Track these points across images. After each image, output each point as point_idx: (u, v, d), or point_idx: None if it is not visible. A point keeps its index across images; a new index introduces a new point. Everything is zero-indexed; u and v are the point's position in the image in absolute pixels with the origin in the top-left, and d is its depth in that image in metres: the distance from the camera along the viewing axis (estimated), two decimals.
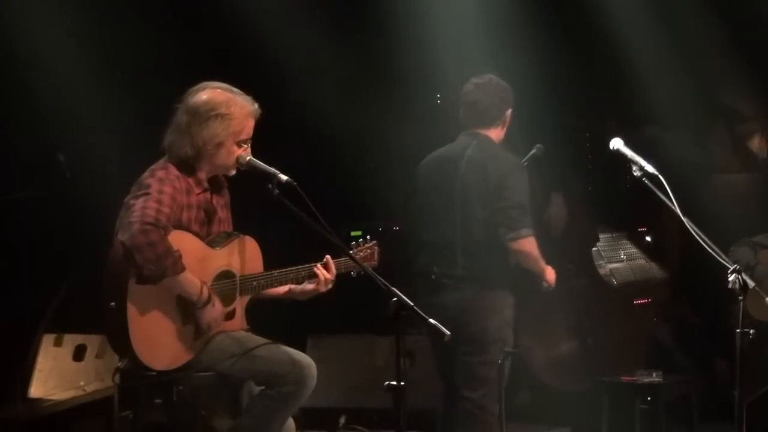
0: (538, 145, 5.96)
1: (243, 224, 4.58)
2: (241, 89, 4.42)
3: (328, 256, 4.46)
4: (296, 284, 4.48)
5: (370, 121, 7.53)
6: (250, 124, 4.34)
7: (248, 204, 4.95)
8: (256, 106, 4.37)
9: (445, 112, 7.68)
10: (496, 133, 5.15)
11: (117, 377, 4.30)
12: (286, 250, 4.59)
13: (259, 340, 4.37)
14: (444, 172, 5.10)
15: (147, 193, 4.13)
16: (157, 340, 4.16)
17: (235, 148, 4.31)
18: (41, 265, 5.98)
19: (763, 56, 7.07)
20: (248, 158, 4.30)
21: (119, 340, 4.13)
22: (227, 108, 4.28)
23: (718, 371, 7.09)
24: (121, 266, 4.07)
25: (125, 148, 5.98)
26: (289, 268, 4.46)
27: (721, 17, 7.14)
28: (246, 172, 4.33)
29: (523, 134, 6.84)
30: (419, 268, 5.19)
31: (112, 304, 4.10)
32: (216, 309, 4.24)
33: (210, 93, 4.32)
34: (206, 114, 4.27)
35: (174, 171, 4.27)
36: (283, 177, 4.15)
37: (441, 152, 5.25)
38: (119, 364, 4.20)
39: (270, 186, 4.15)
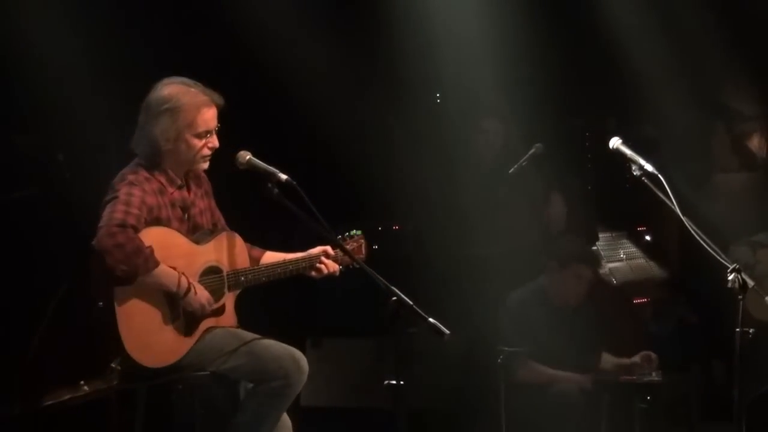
0: (537, 144, 5.98)
1: (241, 223, 4.58)
2: (241, 89, 4.42)
3: (327, 251, 4.50)
4: (285, 278, 4.45)
5: (370, 121, 7.52)
6: (206, 116, 4.26)
7: (245, 203, 4.96)
8: (215, 96, 4.29)
9: (445, 111, 7.70)
10: None
11: (114, 375, 4.28)
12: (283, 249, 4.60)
13: (249, 335, 4.34)
14: None
15: (116, 197, 4.14)
16: (148, 338, 4.15)
17: (195, 141, 4.26)
18: (40, 265, 5.96)
19: (763, 56, 7.07)
20: (248, 157, 4.29)
21: (109, 339, 4.11)
22: (176, 101, 4.22)
23: (718, 370, 7.09)
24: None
25: (125, 147, 5.97)
26: (276, 263, 4.45)
27: (721, 17, 7.13)
28: (245, 171, 4.32)
29: (523, 133, 6.86)
30: None
31: (100, 303, 4.09)
32: (200, 295, 4.20)
33: (164, 88, 4.29)
34: (156, 110, 4.24)
35: (144, 173, 4.25)
36: (283, 176, 4.15)
37: None
38: (113, 365, 4.18)
39: (269, 185, 4.14)
